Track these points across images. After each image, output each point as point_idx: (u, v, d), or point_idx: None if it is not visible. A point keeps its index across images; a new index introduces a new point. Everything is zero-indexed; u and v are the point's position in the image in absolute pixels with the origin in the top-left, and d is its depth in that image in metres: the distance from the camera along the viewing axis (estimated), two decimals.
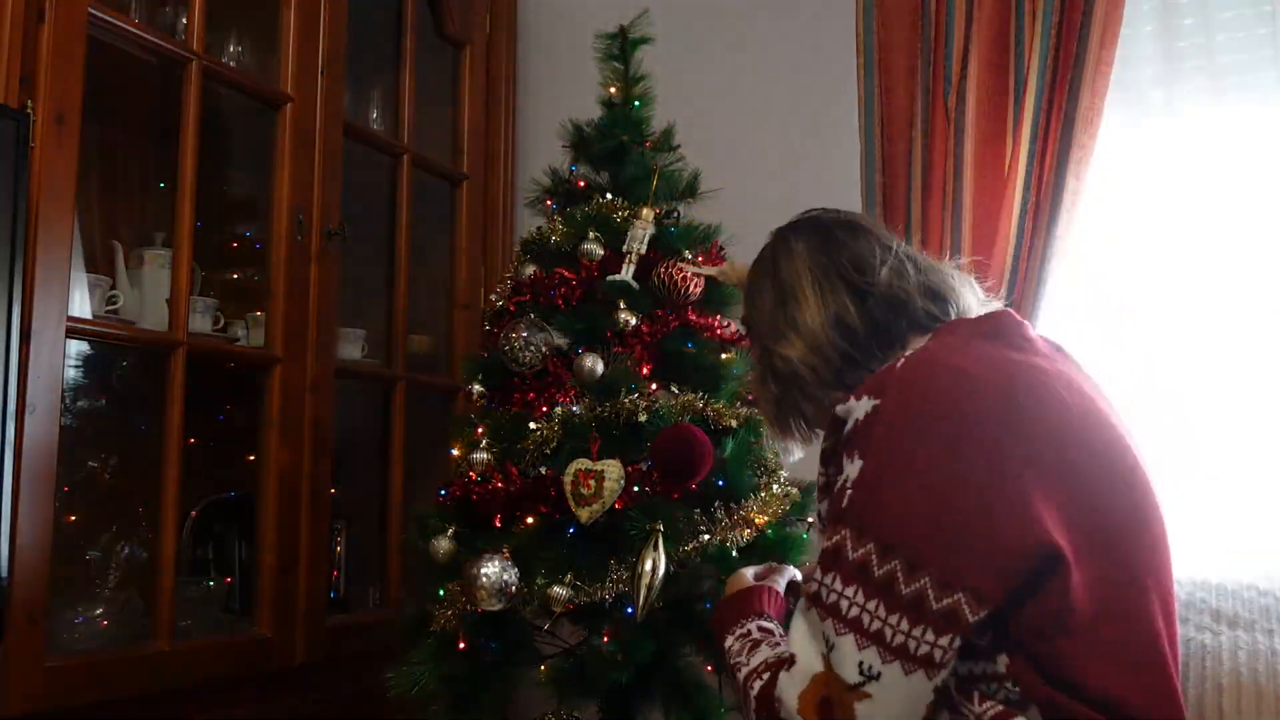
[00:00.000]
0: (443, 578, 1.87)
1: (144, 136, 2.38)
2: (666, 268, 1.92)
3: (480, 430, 1.94)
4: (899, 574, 1.03)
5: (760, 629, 1.27)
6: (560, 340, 1.93)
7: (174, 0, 2.21)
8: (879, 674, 1.03)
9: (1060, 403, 1.14)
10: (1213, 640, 1.88)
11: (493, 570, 1.74)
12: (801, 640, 1.12)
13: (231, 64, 2.27)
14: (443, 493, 1.96)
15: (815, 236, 1.37)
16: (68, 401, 2.04)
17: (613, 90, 2.10)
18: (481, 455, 1.90)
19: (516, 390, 1.94)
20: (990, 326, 1.26)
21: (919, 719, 1.04)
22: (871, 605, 1.04)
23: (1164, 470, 2.11)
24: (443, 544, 1.87)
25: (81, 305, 1.93)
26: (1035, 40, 2.12)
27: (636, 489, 1.78)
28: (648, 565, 1.70)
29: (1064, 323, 2.17)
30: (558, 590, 1.73)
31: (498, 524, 1.86)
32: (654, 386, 1.89)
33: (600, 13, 2.22)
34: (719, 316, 2.00)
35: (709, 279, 1.97)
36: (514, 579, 1.75)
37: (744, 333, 1.54)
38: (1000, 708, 1.06)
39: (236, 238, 2.54)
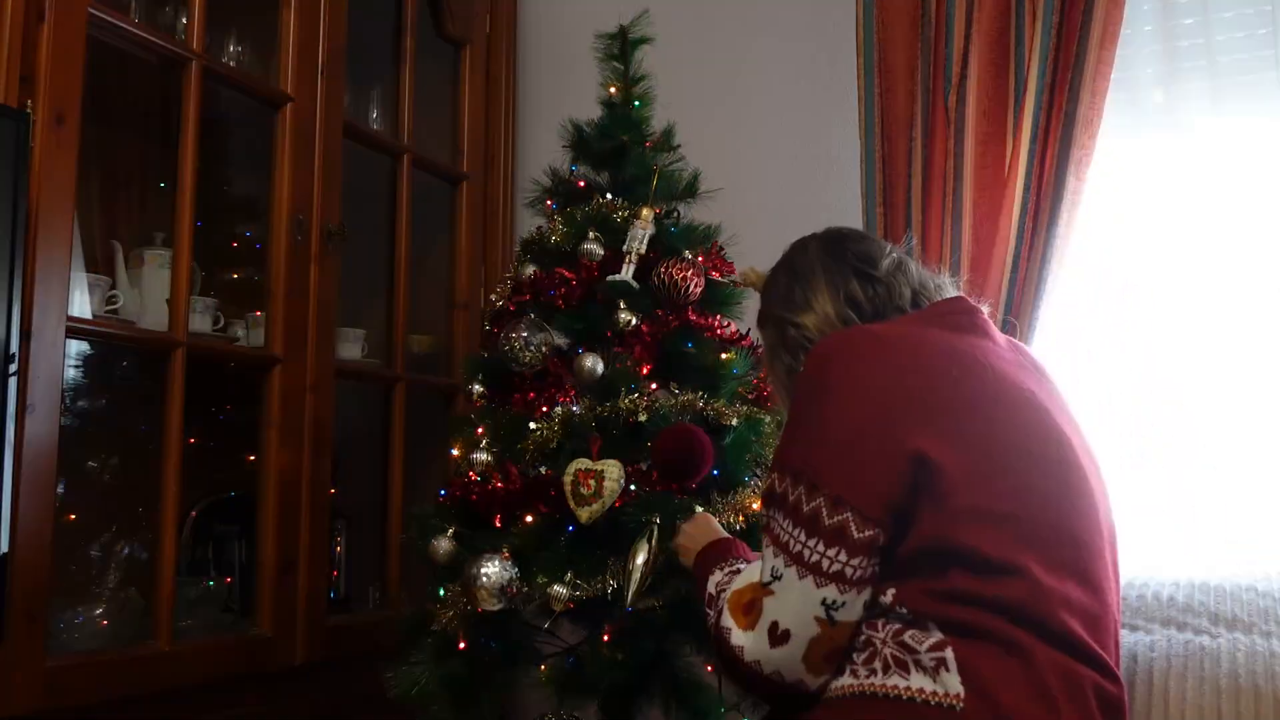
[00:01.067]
0: (443, 578, 1.87)
1: (144, 136, 2.38)
2: (668, 267, 1.92)
3: (480, 430, 1.94)
4: (803, 497, 1.23)
5: (744, 563, 1.44)
6: (560, 340, 1.93)
7: (174, 0, 2.21)
8: (781, 575, 1.25)
9: (977, 377, 1.30)
10: (1211, 642, 1.88)
11: (493, 570, 1.74)
12: (756, 561, 1.34)
13: (231, 64, 2.27)
14: (443, 493, 1.96)
15: (827, 239, 1.54)
16: (68, 401, 2.04)
17: (613, 90, 2.10)
18: (481, 455, 1.90)
19: (516, 390, 1.94)
20: (933, 312, 1.43)
21: (810, 626, 1.23)
22: (786, 524, 1.25)
23: (1165, 469, 2.12)
24: (443, 544, 1.87)
25: (81, 305, 1.93)
26: (1035, 40, 2.12)
27: (635, 489, 1.78)
28: (640, 557, 1.70)
29: (1064, 322, 2.17)
30: (558, 590, 1.73)
31: (498, 524, 1.86)
32: (654, 386, 1.89)
33: (600, 13, 2.22)
34: (719, 316, 2.00)
35: (709, 279, 1.97)
36: (514, 579, 1.75)
37: (756, 326, 1.64)
38: (898, 625, 1.22)
39: (236, 238, 2.54)
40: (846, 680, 1.24)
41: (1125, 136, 2.19)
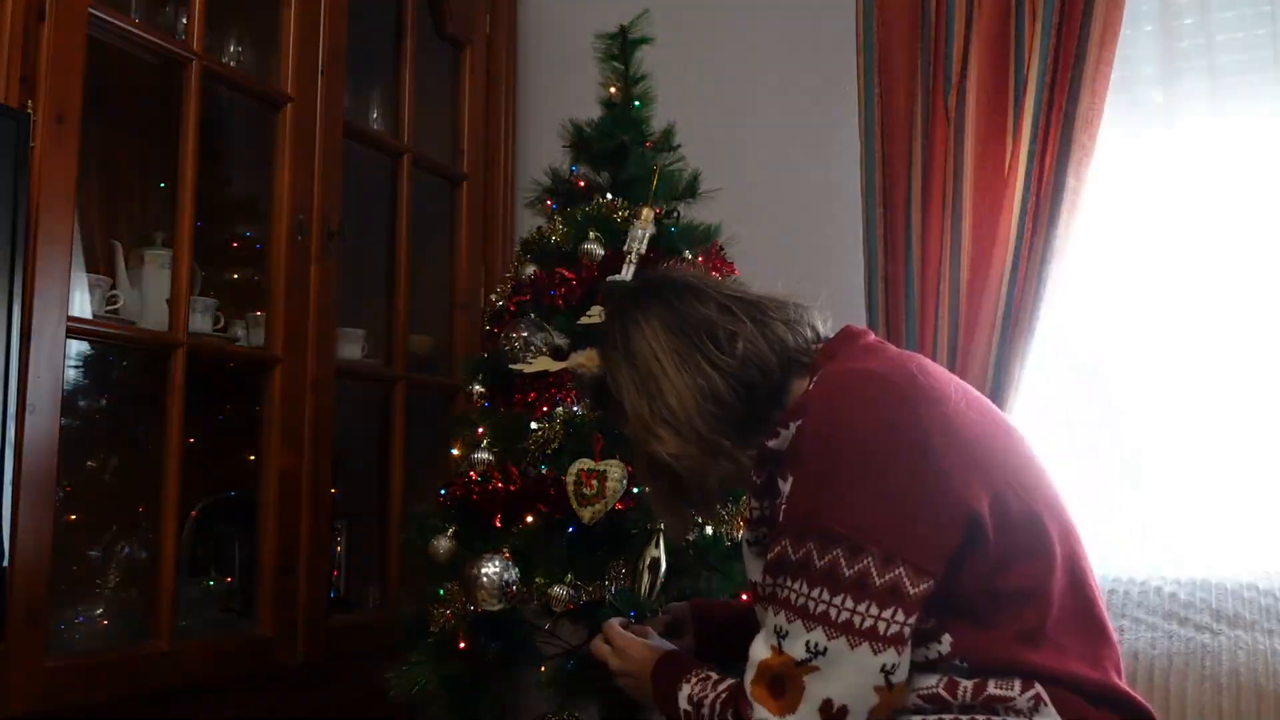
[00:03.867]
0: (443, 578, 1.87)
1: (144, 136, 2.38)
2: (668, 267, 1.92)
3: (480, 430, 1.94)
4: (841, 559, 1.10)
5: (714, 671, 1.29)
6: (560, 340, 1.93)
7: (174, 0, 2.21)
8: (825, 649, 1.10)
9: (950, 397, 1.22)
10: (1212, 640, 1.88)
11: (493, 570, 1.74)
12: (753, 644, 1.18)
13: (231, 64, 2.27)
14: (443, 493, 1.96)
15: (663, 309, 1.31)
16: (68, 401, 2.04)
17: (613, 90, 2.10)
18: (482, 455, 1.90)
19: (517, 390, 1.94)
20: (863, 344, 1.30)
21: (869, 697, 1.11)
22: (815, 592, 1.11)
23: (1167, 466, 2.12)
24: (443, 544, 1.87)
25: (81, 305, 1.93)
26: (1035, 40, 2.12)
27: (636, 490, 1.78)
28: (648, 563, 1.70)
29: (1063, 322, 2.17)
30: (558, 590, 1.73)
31: (498, 524, 1.86)
32: None
33: (600, 13, 2.22)
34: None
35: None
36: (514, 579, 1.75)
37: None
38: (969, 681, 1.13)
39: (236, 238, 2.54)
40: None
41: (1125, 136, 2.19)
